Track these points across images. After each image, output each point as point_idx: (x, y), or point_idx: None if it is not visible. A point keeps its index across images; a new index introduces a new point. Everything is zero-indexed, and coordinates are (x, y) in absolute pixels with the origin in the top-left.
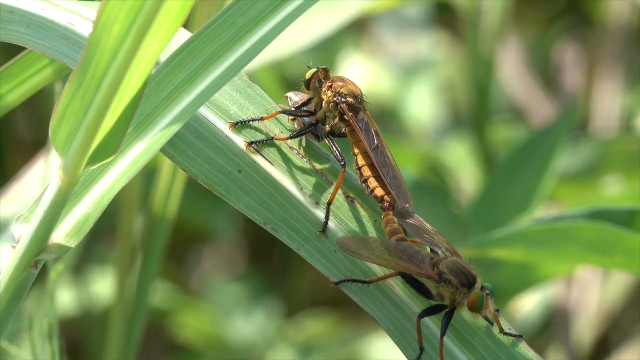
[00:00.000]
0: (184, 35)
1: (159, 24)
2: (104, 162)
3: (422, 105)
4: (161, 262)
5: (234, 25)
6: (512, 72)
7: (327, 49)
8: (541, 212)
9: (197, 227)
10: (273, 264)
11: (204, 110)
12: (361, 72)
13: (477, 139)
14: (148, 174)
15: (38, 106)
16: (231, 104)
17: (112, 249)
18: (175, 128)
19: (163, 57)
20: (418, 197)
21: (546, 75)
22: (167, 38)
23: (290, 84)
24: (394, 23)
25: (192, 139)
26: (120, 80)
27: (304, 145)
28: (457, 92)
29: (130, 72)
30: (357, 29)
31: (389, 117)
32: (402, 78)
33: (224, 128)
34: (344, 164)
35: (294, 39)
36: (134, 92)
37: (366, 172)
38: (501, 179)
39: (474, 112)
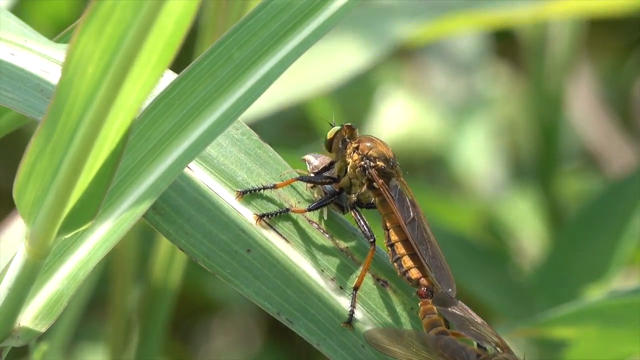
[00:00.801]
0: (170, 77)
1: (142, 63)
2: (79, 229)
3: (476, 152)
4: (162, 339)
5: (230, 62)
6: (584, 110)
7: (362, 85)
8: (619, 281)
9: (206, 297)
10: (295, 341)
11: (205, 177)
12: (403, 113)
13: (542, 191)
14: (146, 232)
15: (17, 149)
16: (238, 168)
17: (104, 324)
18: (164, 186)
19: (146, 102)
20: (471, 263)
21: (624, 114)
22: (153, 80)
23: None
24: (442, 54)
25: (192, 212)
26: (96, 132)
27: (325, 218)
28: (519, 135)
29: (108, 122)
30: (399, 61)
31: (436, 166)
32: (453, 119)
33: (230, 198)
34: (374, 240)
35: (318, 74)
36: (114, 146)
37: (400, 250)
38: (571, 241)
39: (538, 159)
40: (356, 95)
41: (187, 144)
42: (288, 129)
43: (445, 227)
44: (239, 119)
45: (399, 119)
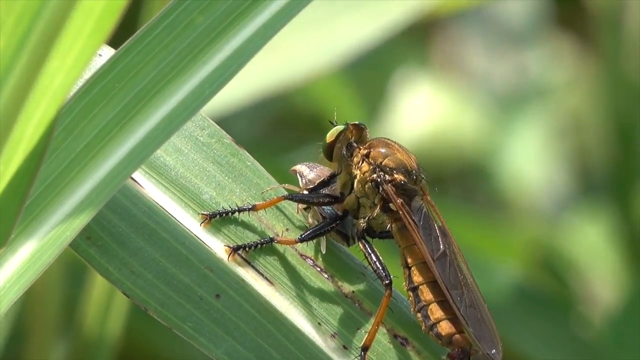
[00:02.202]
0: (109, 52)
1: (71, 33)
2: None
3: (529, 159)
4: None
5: (191, 30)
6: None
7: (374, 67)
8: None
9: (156, 352)
10: None
11: (159, 194)
12: (430, 105)
13: (619, 213)
14: (75, 269)
15: None
16: (204, 183)
17: None
18: (100, 202)
19: (77, 86)
20: (522, 313)
21: None
22: (86, 56)
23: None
24: (483, 23)
25: (140, 242)
26: (8, 125)
27: (323, 251)
28: (587, 135)
29: (26, 112)
30: (425, 33)
31: (474, 178)
32: (498, 114)
33: (193, 224)
34: (390, 282)
35: (313, 49)
36: (33, 146)
37: (425, 295)
38: None
39: (614, 168)
40: (366, 81)
41: (131, 143)
42: (273, 129)
43: (488, 264)
44: (204, 114)
45: (424, 113)
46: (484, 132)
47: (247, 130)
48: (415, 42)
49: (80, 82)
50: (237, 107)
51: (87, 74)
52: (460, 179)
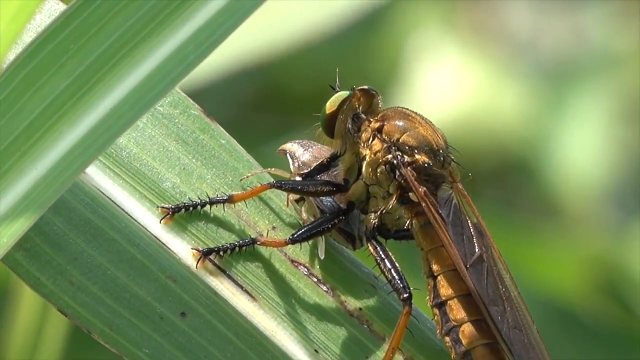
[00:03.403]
0: (59, 7)
1: None
2: None
3: (587, 152)
4: None
5: None
6: None
7: (386, 31)
8: None
9: None
10: None
11: (107, 182)
12: (457, 82)
13: None
14: None
15: None
16: (165, 167)
17: None
18: (45, 203)
19: (17, 48)
20: (579, 343)
21: None
22: (28, 10)
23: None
24: None
25: (80, 244)
26: None
27: (322, 256)
28: None
29: None
30: None
31: (516, 175)
32: (547, 93)
33: (151, 220)
34: (409, 296)
35: (308, 7)
36: None
37: (456, 313)
38: None
39: None
40: (373, 49)
41: (89, 122)
42: (256, 101)
43: (534, 287)
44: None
45: (450, 91)
46: (529, 115)
47: (226, 103)
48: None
49: (23, 43)
50: (209, 81)
51: (33, 32)
52: (497, 176)
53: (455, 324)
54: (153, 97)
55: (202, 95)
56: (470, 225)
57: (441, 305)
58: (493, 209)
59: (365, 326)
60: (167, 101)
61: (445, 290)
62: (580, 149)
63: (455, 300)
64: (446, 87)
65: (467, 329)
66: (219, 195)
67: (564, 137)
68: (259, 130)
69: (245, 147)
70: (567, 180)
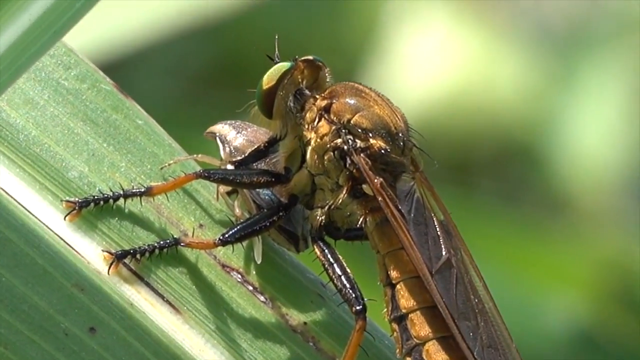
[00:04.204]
0: None
1: None
2: None
3: (601, 135)
4: None
5: None
6: None
7: None
8: None
9: None
10: None
11: None
12: (446, 50)
13: None
14: None
15: None
16: (70, 152)
17: None
18: None
19: None
20: None
21: None
22: None
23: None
24: None
25: None
26: None
27: (258, 261)
28: None
29: None
30: None
31: (517, 164)
32: (554, 65)
33: (53, 217)
34: (362, 308)
35: None
36: None
37: (419, 328)
38: None
39: None
40: (345, 8)
41: None
42: (176, 81)
43: (538, 295)
44: (69, 46)
45: (438, 62)
46: (533, 91)
47: (147, 73)
48: None
49: None
50: (123, 51)
51: None
52: (496, 165)
53: (418, 341)
54: (34, 52)
55: (130, 58)
56: (436, 223)
57: (401, 319)
58: (490, 204)
59: (311, 344)
60: (72, 74)
61: (405, 301)
62: (594, 131)
63: (418, 313)
64: (433, 57)
65: (432, 347)
66: (135, 187)
67: (574, 117)
68: (187, 103)
69: (168, 120)
70: (578, 168)
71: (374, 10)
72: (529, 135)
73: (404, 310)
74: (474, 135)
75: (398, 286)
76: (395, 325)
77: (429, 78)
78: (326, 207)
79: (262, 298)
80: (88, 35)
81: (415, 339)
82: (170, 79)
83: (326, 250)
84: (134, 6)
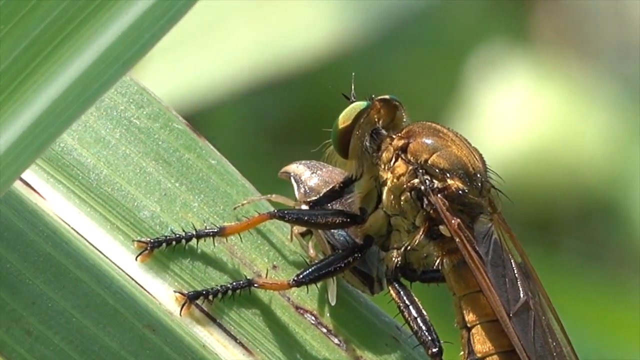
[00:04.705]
0: None
1: None
2: None
3: None
4: None
5: None
6: None
7: (442, 42)
8: None
9: None
10: None
11: (68, 209)
12: (529, 105)
13: None
14: None
15: None
16: (142, 192)
17: None
18: None
19: None
20: None
21: None
22: None
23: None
24: None
25: (39, 285)
26: None
27: (332, 303)
28: None
29: None
30: None
31: (601, 221)
32: (635, 119)
33: (124, 257)
34: (439, 351)
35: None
36: None
37: None
38: None
39: None
40: (428, 64)
41: (23, 122)
42: (258, 115)
43: (623, 353)
44: (143, 85)
45: (521, 116)
46: (616, 148)
47: (222, 119)
48: (507, 7)
49: None
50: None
51: None
52: (578, 222)
53: None
54: (101, 85)
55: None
56: (513, 265)
57: None
58: (572, 262)
59: None
60: (144, 112)
61: (482, 345)
62: None
63: (495, 357)
64: (515, 113)
65: None
66: (207, 227)
67: None
68: (264, 149)
69: (242, 159)
70: None
71: (457, 65)
72: (612, 193)
73: (479, 355)
74: (556, 192)
75: (474, 330)
76: None
77: (511, 134)
78: (402, 249)
79: (336, 340)
80: (163, 87)
81: None
82: (246, 133)
83: (402, 292)
84: (211, 56)
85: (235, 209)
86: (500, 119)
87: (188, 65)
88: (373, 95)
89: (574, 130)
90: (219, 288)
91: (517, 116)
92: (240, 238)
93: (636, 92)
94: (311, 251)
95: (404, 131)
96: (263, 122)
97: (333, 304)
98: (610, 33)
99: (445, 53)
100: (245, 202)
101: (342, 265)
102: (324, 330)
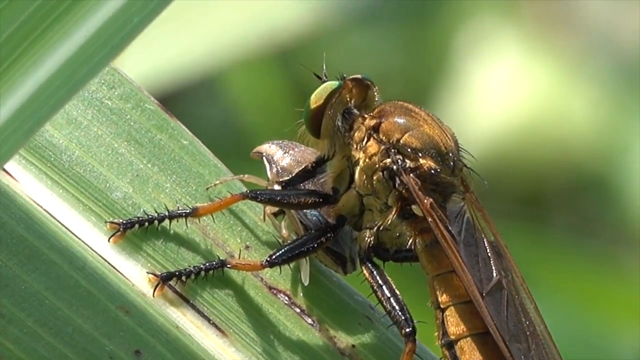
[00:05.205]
0: None
1: None
2: None
3: None
4: None
5: None
6: None
7: (431, 19)
8: None
9: None
10: None
11: (41, 191)
12: (518, 81)
13: None
14: None
15: None
16: (114, 173)
17: None
18: None
19: None
20: None
21: None
22: None
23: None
24: None
25: (12, 268)
26: None
27: (305, 283)
28: None
29: None
30: None
31: (591, 197)
32: (626, 94)
33: (97, 239)
34: (411, 331)
35: None
36: None
37: (469, 355)
38: None
39: None
40: (416, 40)
41: (11, 105)
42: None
43: (615, 333)
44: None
45: (509, 92)
46: (605, 123)
47: (192, 99)
48: None
49: None
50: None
51: None
52: (568, 198)
53: None
54: (89, 70)
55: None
56: (486, 244)
57: (451, 345)
58: (563, 238)
59: None
60: (116, 93)
61: (456, 327)
62: None
63: (468, 340)
64: (504, 89)
65: None
66: (180, 208)
67: None
68: (234, 124)
69: (213, 139)
70: None
71: (445, 42)
72: (602, 168)
73: (452, 337)
74: (546, 168)
75: (447, 311)
76: (445, 351)
77: (500, 110)
78: (375, 228)
79: (309, 320)
80: (137, 68)
81: None
82: (218, 113)
83: (375, 272)
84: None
85: (207, 189)
86: (490, 94)
87: (162, 45)
88: (345, 75)
89: (563, 106)
90: (192, 269)
91: (506, 91)
92: (213, 219)
93: (625, 67)
94: (284, 231)
95: (375, 111)
96: (236, 101)
97: (306, 284)
98: (599, 8)
99: (435, 28)
100: (217, 182)
101: (315, 245)
102: (297, 310)
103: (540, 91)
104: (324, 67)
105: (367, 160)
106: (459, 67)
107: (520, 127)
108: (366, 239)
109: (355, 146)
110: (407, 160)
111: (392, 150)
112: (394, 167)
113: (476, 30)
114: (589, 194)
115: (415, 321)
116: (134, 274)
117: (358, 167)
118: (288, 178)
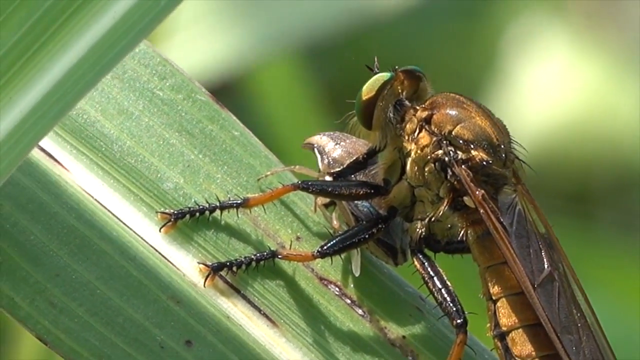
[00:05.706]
0: None
1: None
2: None
3: None
4: None
5: None
6: None
7: (481, 15)
8: None
9: None
10: None
11: (92, 181)
12: (567, 79)
13: None
14: None
15: None
16: (165, 163)
17: None
18: None
19: None
20: None
21: None
22: None
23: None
24: None
25: (63, 257)
26: None
27: (357, 274)
28: None
29: None
30: None
31: (637, 189)
32: None
33: (148, 229)
34: (463, 322)
35: None
36: None
37: (521, 346)
38: None
39: None
40: (466, 36)
41: (40, 89)
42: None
43: None
44: (165, 56)
45: (558, 90)
46: None
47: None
48: None
49: None
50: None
51: None
52: (615, 194)
53: (519, 356)
54: (117, 52)
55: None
56: (537, 236)
57: (503, 336)
58: (608, 234)
59: (410, 358)
60: (167, 84)
61: (507, 319)
62: None
63: (520, 331)
64: (553, 86)
65: None
66: (231, 199)
67: None
68: (292, 106)
69: (265, 130)
70: None
71: (495, 38)
72: None
73: (504, 328)
74: (593, 164)
75: (499, 303)
76: (497, 342)
77: (548, 106)
78: (426, 220)
79: (360, 311)
80: (188, 59)
81: (517, 358)
82: (270, 105)
83: (426, 263)
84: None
85: (258, 180)
86: (538, 91)
87: (213, 37)
88: (397, 67)
89: (611, 103)
90: (243, 259)
91: (554, 88)
92: (264, 209)
93: None
94: (335, 222)
95: (427, 102)
96: (289, 93)
97: (357, 275)
98: None
99: (484, 25)
100: (268, 173)
101: (366, 236)
102: (348, 301)
103: (589, 88)
104: (376, 60)
105: (418, 151)
106: (508, 63)
107: (568, 124)
108: (417, 230)
109: (406, 138)
110: (458, 152)
111: (444, 142)
112: (446, 158)
113: (525, 27)
114: (636, 190)
115: (466, 312)
116: (185, 264)
117: (409, 159)
118: (339, 169)
